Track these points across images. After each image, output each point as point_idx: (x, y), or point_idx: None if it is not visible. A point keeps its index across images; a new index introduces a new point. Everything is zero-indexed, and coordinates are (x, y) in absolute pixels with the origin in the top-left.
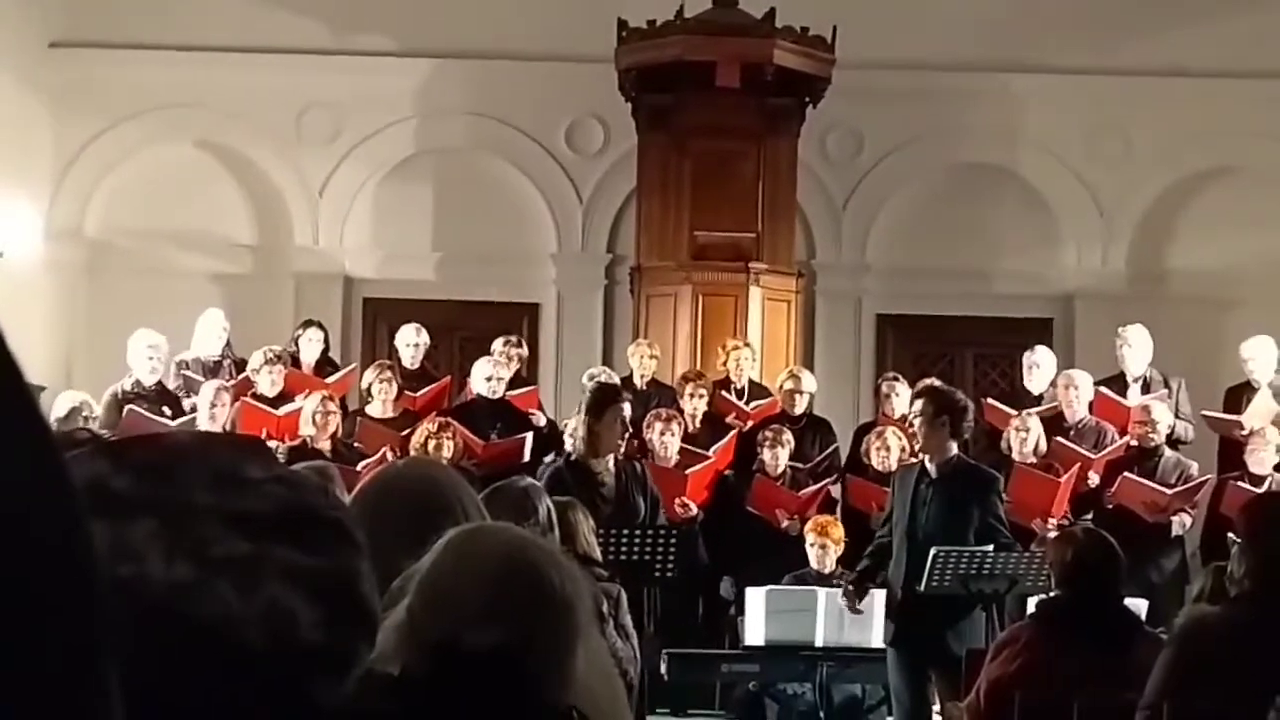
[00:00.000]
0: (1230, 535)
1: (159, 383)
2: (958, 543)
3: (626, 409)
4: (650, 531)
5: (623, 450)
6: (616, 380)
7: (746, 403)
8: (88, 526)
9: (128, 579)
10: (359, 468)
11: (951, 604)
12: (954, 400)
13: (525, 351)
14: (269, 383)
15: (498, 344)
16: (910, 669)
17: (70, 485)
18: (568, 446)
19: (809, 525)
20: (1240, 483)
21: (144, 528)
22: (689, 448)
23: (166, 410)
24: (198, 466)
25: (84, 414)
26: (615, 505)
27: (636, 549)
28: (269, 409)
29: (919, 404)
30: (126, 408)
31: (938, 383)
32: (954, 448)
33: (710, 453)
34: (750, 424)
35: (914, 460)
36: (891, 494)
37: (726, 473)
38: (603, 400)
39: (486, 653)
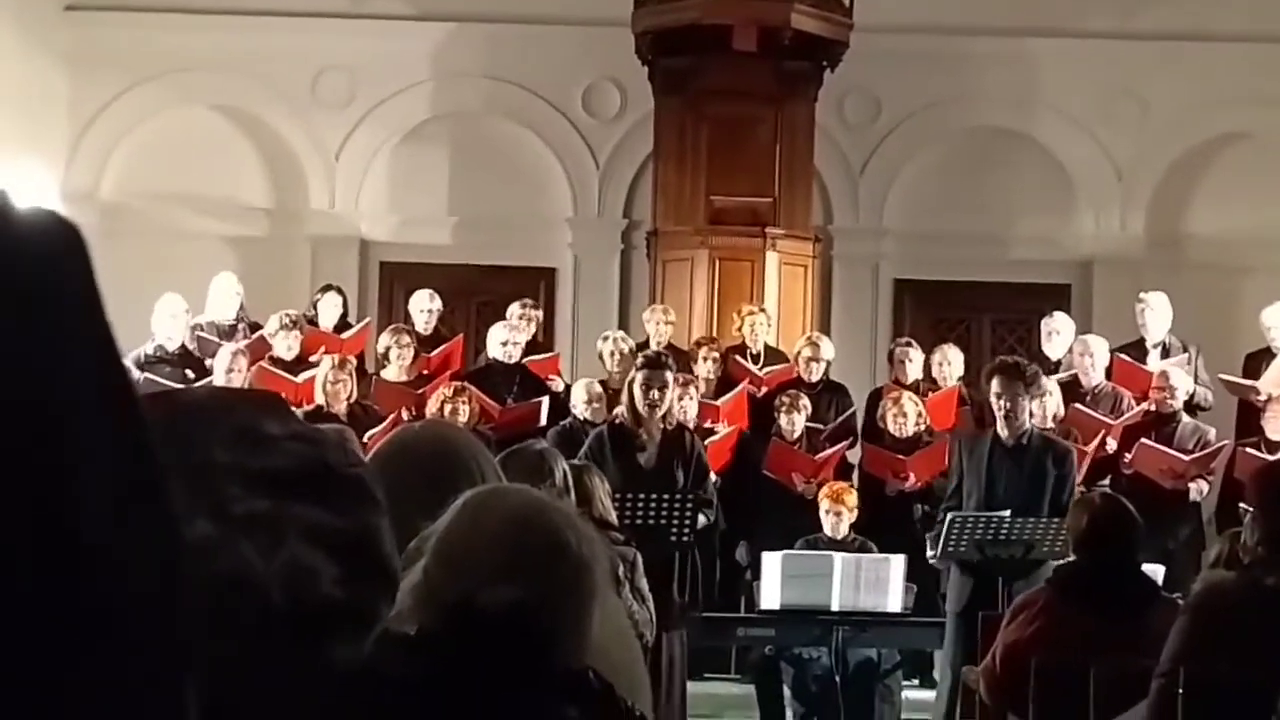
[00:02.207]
0: (1241, 504)
1: (182, 345)
2: (1035, 513)
3: (668, 376)
4: (666, 497)
5: (662, 417)
6: (629, 344)
7: (761, 368)
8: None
9: None
10: (366, 436)
11: (1021, 568)
12: (1035, 373)
13: (541, 314)
14: (285, 347)
15: (514, 308)
16: (969, 640)
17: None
18: (576, 412)
19: (823, 491)
20: (1255, 448)
21: None
22: (704, 400)
23: (190, 374)
24: (216, 424)
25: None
26: (652, 472)
27: (654, 514)
28: (286, 375)
29: (999, 384)
30: (143, 375)
31: (1012, 359)
32: (1029, 419)
33: (719, 402)
34: (765, 389)
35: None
36: (959, 464)
37: (743, 432)
38: (642, 364)
39: (502, 613)
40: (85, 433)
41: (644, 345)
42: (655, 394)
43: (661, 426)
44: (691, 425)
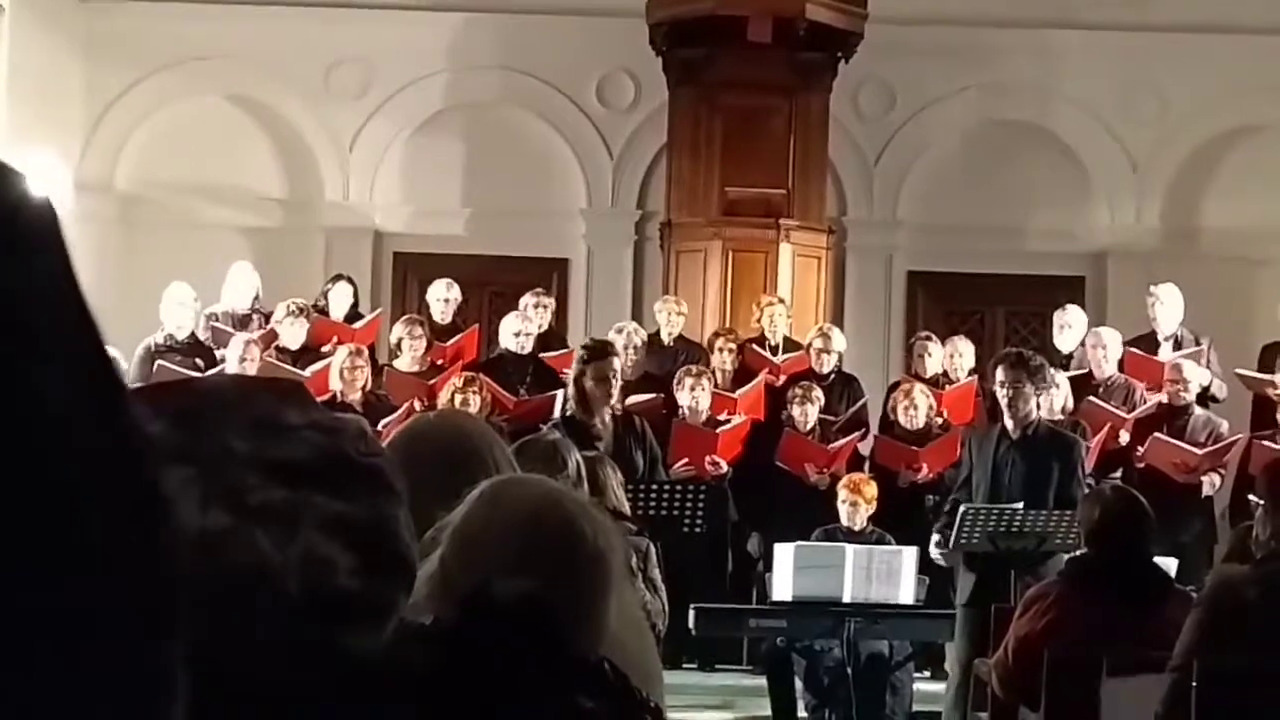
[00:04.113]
0: (1251, 497)
1: (192, 334)
2: (1041, 504)
3: (616, 364)
4: (680, 487)
5: (615, 404)
6: (641, 335)
7: (780, 359)
8: (162, 494)
9: None
10: (382, 425)
11: (1032, 560)
12: (1039, 365)
13: (553, 303)
14: (292, 336)
15: (526, 298)
16: (978, 631)
17: (146, 452)
18: None
19: (842, 482)
20: (1269, 442)
21: (179, 475)
22: (721, 392)
23: (200, 362)
24: (234, 412)
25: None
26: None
27: (666, 504)
28: (291, 368)
29: (1003, 372)
30: (157, 362)
31: (1016, 349)
32: (1035, 411)
33: (737, 394)
34: (783, 379)
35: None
36: (969, 457)
37: (755, 423)
38: (588, 357)
39: (518, 603)
40: (62, 411)
41: (656, 336)
42: (607, 383)
43: (612, 413)
44: (704, 418)
